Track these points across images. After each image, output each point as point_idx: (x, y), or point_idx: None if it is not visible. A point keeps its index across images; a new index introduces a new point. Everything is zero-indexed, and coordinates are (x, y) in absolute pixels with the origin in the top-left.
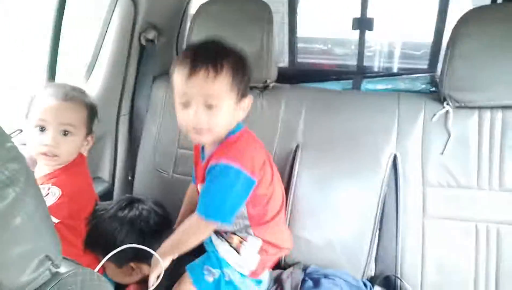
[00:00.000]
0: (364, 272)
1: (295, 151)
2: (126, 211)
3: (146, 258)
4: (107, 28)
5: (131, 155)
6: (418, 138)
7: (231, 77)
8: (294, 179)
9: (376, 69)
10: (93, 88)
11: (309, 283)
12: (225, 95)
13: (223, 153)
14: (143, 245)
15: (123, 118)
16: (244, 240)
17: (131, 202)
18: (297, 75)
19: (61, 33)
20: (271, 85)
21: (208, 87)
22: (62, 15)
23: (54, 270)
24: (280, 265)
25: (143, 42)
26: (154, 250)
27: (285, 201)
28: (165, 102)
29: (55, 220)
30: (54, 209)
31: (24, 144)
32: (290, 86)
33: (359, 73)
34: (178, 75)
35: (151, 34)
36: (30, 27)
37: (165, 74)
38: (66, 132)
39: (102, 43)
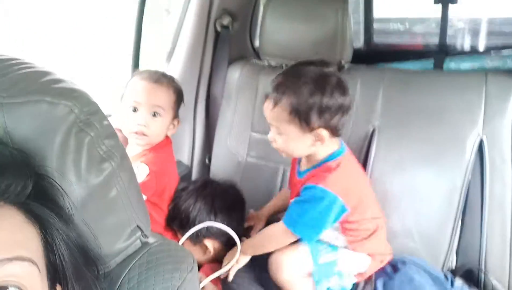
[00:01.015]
0: (444, 263)
1: (372, 134)
2: (201, 190)
3: (218, 236)
4: (185, 15)
5: (208, 139)
6: (508, 121)
7: (288, 111)
8: (370, 163)
9: (460, 47)
10: (172, 75)
11: (388, 269)
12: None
13: (320, 176)
14: (215, 221)
15: (200, 104)
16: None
17: (207, 183)
18: (374, 55)
19: (143, 24)
20: (346, 66)
21: (270, 116)
22: (144, 7)
23: (144, 239)
24: None
25: (218, 28)
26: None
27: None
28: (239, 87)
29: (143, 196)
30: (142, 186)
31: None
32: (366, 66)
33: (441, 52)
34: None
35: (226, 20)
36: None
37: (239, 59)
38: (156, 113)
39: (180, 31)
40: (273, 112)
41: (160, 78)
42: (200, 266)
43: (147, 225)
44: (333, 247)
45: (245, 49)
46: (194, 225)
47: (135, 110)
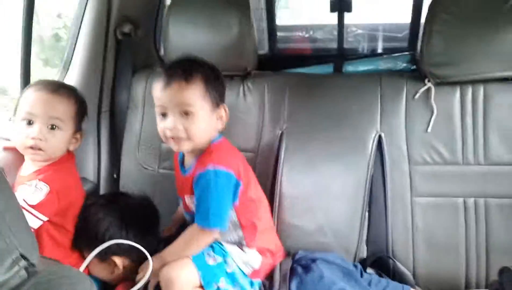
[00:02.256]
0: (355, 254)
1: (280, 137)
2: (111, 204)
3: (127, 252)
4: (81, 24)
5: (115, 152)
6: (402, 117)
7: (203, 86)
8: (280, 166)
9: (356, 51)
10: (71, 80)
11: (299, 270)
12: (199, 102)
13: (208, 159)
14: (126, 237)
15: (104, 115)
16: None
17: (117, 196)
18: (279, 61)
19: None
20: (252, 72)
21: (182, 96)
22: (32, 11)
23: (30, 269)
24: None
25: (119, 36)
26: (140, 244)
27: (272, 197)
28: (146, 96)
29: (43, 218)
30: (42, 206)
31: (8, 139)
32: (272, 72)
33: (339, 56)
34: (156, 89)
35: (127, 28)
36: None
37: (145, 67)
38: (54, 126)
39: (76, 40)
40: (186, 91)
41: (59, 88)
42: (115, 286)
43: (34, 252)
44: (220, 249)
45: (151, 57)
46: (103, 241)
47: (29, 123)
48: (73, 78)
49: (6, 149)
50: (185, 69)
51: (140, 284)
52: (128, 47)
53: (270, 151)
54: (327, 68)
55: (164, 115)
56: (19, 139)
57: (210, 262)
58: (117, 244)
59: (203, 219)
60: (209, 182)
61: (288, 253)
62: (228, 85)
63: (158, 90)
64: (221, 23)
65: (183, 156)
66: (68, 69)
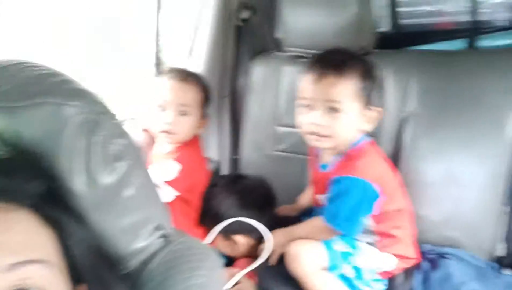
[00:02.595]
0: (489, 252)
1: (405, 120)
2: (231, 186)
3: (249, 231)
4: (201, 11)
5: (235, 135)
6: None
7: (357, 84)
8: (404, 152)
9: (494, 23)
10: (195, 69)
11: (424, 265)
12: (349, 101)
13: (350, 166)
14: (245, 217)
15: (225, 99)
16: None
17: (237, 178)
18: (402, 38)
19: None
20: (372, 52)
21: (332, 92)
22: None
23: (165, 238)
24: None
25: (239, 22)
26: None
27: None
28: (263, 80)
29: (175, 193)
30: (174, 183)
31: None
32: (395, 51)
33: (473, 30)
34: (305, 81)
35: (245, 14)
36: None
37: (262, 52)
38: (184, 112)
39: (198, 27)
40: (337, 87)
41: (187, 77)
42: (235, 261)
43: (168, 223)
44: (353, 242)
45: (268, 42)
46: (225, 220)
47: (163, 109)
48: (196, 65)
49: (144, 131)
50: (339, 63)
51: (261, 260)
52: (247, 33)
53: (392, 135)
54: (459, 44)
55: (308, 107)
56: (154, 123)
57: (339, 248)
58: (238, 223)
59: (331, 219)
60: (347, 189)
61: None
62: None
63: (307, 81)
64: (337, 1)
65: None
66: (191, 56)
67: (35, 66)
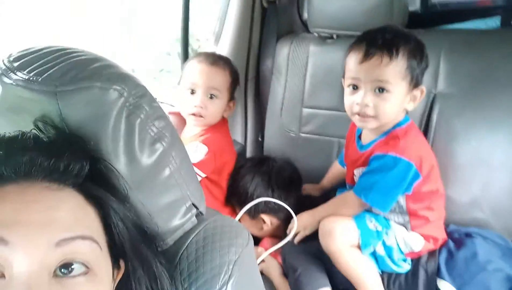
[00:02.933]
0: None
1: (433, 101)
2: (258, 167)
3: (275, 211)
4: None
5: (260, 116)
6: None
7: (406, 64)
8: (433, 133)
9: None
10: (221, 51)
11: (450, 244)
12: (397, 81)
13: (392, 145)
14: (272, 197)
15: (250, 82)
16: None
17: (264, 160)
18: (432, 17)
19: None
20: None
21: (380, 72)
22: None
23: (199, 216)
24: None
25: (265, 4)
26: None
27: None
28: (289, 62)
29: (202, 174)
30: (201, 165)
31: (172, 105)
32: (424, 30)
33: (507, 7)
34: (351, 59)
35: None
36: None
37: (288, 34)
38: (213, 96)
39: (227, 10)
40: (387, 67)
41: (217, 60)
42: (259, 241)
43: (202, 202)
44: (384, 220)
45: (294, 23)
46: (251, 200)
47: (192, 92)
48: (224, 49)
49: (170, 113)
50: (389, 42)
51: (286, 240)
52: (273, 14)
53: (421, 116)
54: (491, 22)
55: (355, 87)
56: (183, 106)
57: (371, 226)
58: (265, 203)
59: (363, 191)
60: (387, 166)
61: None
62: None
63: (354, 61)
64: None
65: (362, 130)
66: (219, 38)
67: (79, 52)
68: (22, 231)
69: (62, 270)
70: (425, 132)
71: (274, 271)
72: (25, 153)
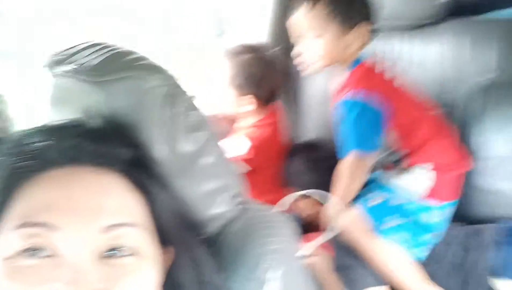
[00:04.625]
0: None
1: (481, 91)
2: (308, 154)
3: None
4: None
5: (302, 110)
6: None
7: (326, 9)
8: (479, 123)
9: None
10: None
11: (503, 242)
12: (324, 26)
13: (346, 86)
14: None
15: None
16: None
17: (312, 145)
18: (481, 3)
19: None
20: (446, 19)
21: (306, 21)
22: None
23: (242, 206)
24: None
25: None
26: None
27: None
28: None
29: (246, 167)
30: (244, 158)
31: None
32: (471, 19)
33: None
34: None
35: None
36: None
37: None
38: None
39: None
40: (311, 16)
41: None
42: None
43: (244, 192)
44: (377, 186)
45: None
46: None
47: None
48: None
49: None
50: None
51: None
52: None
53: (467, 105)
54: None
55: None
56: (222, 100)
57: (374, 201)
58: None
59: (345, 149)
60: (345, 113)
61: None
62: (417, 35)
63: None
64: None
65: None
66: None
67: (110, 46)
68: (71, 216)
69: (112, 251)
70: (471, 123)
71: (324, 266)
72: (71, 139)
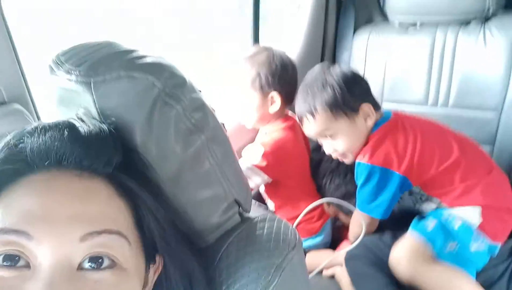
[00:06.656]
0: None
1: None
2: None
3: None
4: None
5: None
6: None
7: (326, 112)
8: None
9: None
10: (295, 48)
11: None
12: (333, 125)
13: (362, 151)
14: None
15: None
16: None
17: None
18: None
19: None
20: (497, 13)
21: (316, 129)
22: None
23: (243, 214)
24: None
25: None
26: None
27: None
28: (367, 55)
29: (266, 177)
30: (261, 166)
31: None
32: None
33: None
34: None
35: None
36: None
37: (366, 23)
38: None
39: (300, 5)
40: (317, 124)
41: (242, 59)
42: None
43: (247, 200)
44: (437, 212)
45: (372, 11)
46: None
47: None
48: (296, 40)
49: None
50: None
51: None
52: (350, 4)
53: None
54: None
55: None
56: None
57: (431, 224)
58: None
59: (359, 205)
60: (361, 174)
61: None
62: (463, 31)
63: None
64: None
65: None
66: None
67: (113, 44)
68: (47, 226)
69: (89, 263)
70: None
71: (345, 278)
72: (58, 142)
